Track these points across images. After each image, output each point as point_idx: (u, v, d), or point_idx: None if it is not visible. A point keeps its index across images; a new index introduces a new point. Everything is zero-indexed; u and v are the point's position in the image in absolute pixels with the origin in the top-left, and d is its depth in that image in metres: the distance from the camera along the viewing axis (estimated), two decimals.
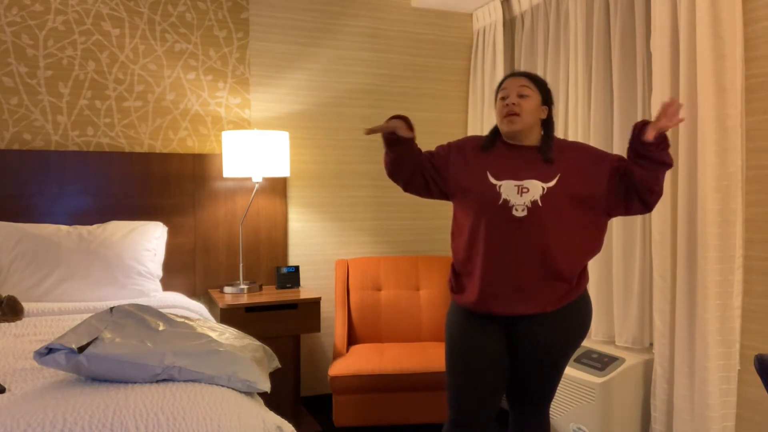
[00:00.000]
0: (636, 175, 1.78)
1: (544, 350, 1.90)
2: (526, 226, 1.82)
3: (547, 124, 1.96)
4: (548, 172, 1.86)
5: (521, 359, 1.94)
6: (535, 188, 1.83)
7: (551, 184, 1.84)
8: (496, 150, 1.95)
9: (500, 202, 1.83)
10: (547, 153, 1.88)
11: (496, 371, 1.92)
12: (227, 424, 1.41)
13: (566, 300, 1.88)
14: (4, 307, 2.32)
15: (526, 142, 1.93)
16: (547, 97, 1.95)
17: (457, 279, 1.98)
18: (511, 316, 1.88)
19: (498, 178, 1.87)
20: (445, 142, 2.12)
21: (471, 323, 1.93)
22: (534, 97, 1.91)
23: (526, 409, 2.03)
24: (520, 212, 1.82)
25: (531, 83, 1.92)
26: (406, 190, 2.04)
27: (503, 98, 1.92)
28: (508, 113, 1.89)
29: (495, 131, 2.01)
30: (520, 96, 1.89)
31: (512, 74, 1.96)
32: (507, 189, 1.84)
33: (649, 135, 1.70)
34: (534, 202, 1.81)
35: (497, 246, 1.84)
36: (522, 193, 1.83)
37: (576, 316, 1.91)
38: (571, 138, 2.98)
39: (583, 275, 1.93)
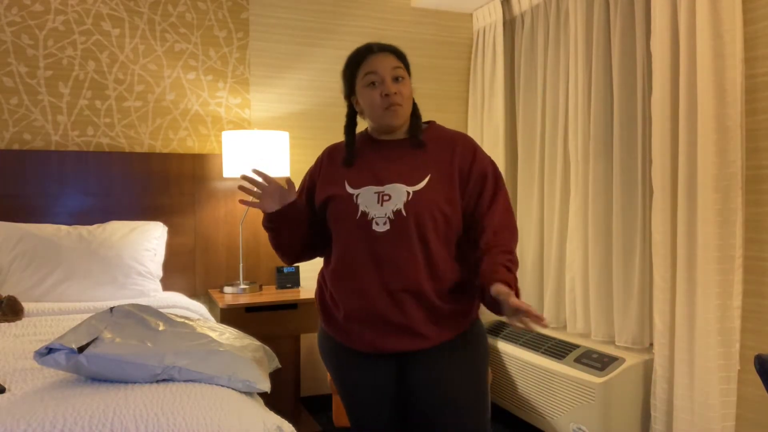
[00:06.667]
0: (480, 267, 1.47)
1: (441, 393, 1.50)
2: (389, 243, 1.47)
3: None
4: (416, 172, 1.52)
5: (418, 401, 1.55)
6: (399, 194, 1.48)
7: (418, 187, 1.49)
8: (359, 158, 1.59)
9: (358, 216, 1.49)
10: (417, 135, 1.55)
11: (392, 408, 1.59)
12: (227, 424, 1.41)
13: (456, 329, 1.53)
14: (4, 307, 2.32)
15: (398, 135, 1.60)
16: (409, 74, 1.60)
17: (325, 307, 1.63)
18: (388, 352, 1.53)
19: (356, 186, 1.52)
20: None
21: (350, 355, 1.58)
22: (407, 79, 1.56)
23: None
24: (381, 226, 1.47)
25: (401, 62, 1.56)
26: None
27: (373, 83, 1.53)
28: (392, 104, 1.51)
29: (352, 136, 1.62)
30: (396, 80, 1.53)
31: (373, 49, 1.55)
32: (365, 199, 1.50)
33: (495, 290, 1.35)
34: (397, 213, 1.46)
35: (360, 270, 1.50)
36: (383, 202, 1.48)
37: (476, 343, 1.56)
38: (571, 138, 2.98)
39: (472, 297, 1.58)
